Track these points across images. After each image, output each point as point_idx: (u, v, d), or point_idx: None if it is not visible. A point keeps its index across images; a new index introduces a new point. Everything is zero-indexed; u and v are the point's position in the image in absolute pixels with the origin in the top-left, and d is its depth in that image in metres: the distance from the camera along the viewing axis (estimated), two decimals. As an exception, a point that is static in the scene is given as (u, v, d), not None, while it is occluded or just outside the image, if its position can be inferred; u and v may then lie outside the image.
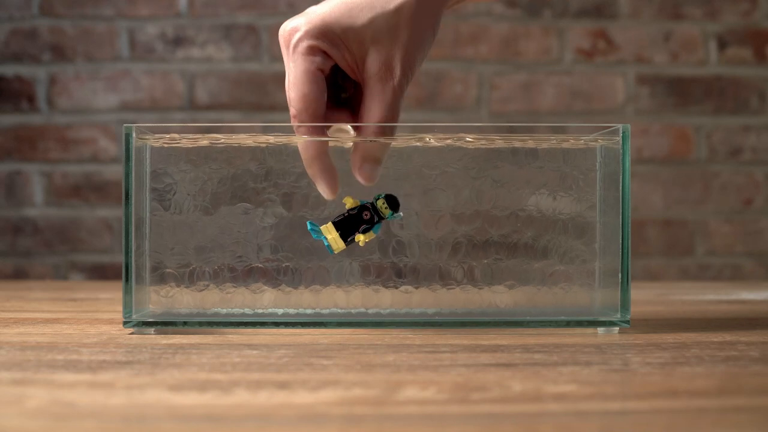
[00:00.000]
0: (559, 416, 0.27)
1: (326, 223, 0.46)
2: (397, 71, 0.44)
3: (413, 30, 0.44)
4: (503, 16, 1.20)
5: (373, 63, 0.44)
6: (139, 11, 1.19)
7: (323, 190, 0.46)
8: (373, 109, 0.44)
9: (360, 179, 0.46)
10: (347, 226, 0.46)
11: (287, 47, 0.45)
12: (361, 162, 0.45)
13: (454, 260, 0.48)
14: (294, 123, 0.45)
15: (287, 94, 0.45)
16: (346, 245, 0.46)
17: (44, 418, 0.26)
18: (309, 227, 0.46)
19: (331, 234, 0.46)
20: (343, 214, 0.46)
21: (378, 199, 0.46)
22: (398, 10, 0.44)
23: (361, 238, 0.46)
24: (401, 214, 0.46)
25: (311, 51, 0.44)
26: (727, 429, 0.25)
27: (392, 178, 0.47)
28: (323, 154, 0.45)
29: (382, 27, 0.44)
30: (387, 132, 0.45)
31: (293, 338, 0.44)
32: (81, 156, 1.19)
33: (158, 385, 0.31)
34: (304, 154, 0.45)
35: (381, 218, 0.46)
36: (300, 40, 0.44)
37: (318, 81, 0.44)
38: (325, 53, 0.45)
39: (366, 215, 0.45)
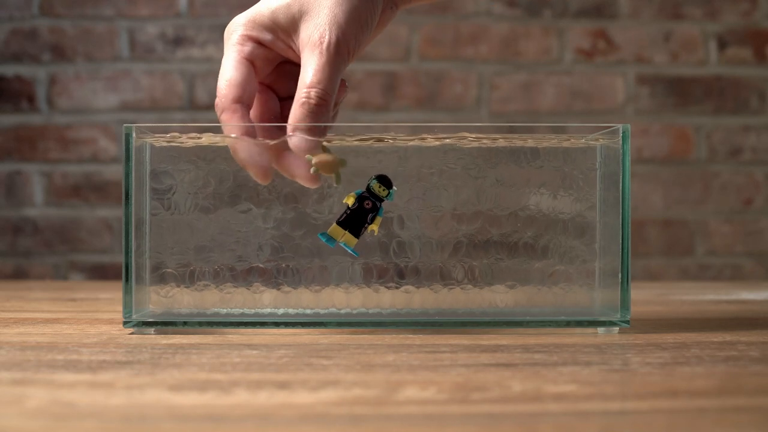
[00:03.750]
0: (559, 416, 0.27)
1: (331, 228, 0.45)
2: (327, 35, 0.43)
3: None
4: (503, 16, 1.20)
5: (304, 34, 0.44)
6: (139, 11, 1.19)
7: (256, 178, 0.45)
8: (302, 76, 0.43)
9: (291, 147, 0.44)
10: (354, 221, 0.45)
11: (225, 43, 0.46)
12: (292, 131, 0.44)
13: (455, 260, 0.48)
14: (220, 114, 0.44)
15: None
16: (358, 238, 0.46)
17: (44, 418, 0.26)
18: (325, 240, 0.46)
19: (343, 236, 0.45)
20: (346, 212, 0.46)
21: (372, 183, 0.45)
22: None
23: (374, 227, 0.45)
24: (395, 188, 0.46)
25: (241, 41, 0.45)
26: (727, 429, 0.25)
27: (392, 178, 0.47)
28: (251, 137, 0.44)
29: None
30: (317, 96, 0.43)
31: (293, 338, 0.44)
32: (81, 156, 1.19)
33: (158, 385, 0.31)
34: (229, 143, 0.44)
35: (381, 200, 0.46)
36: (232, 32, 0.45)
37: (242, 68, 0.44)
38: (258, 42, 0.45)
39: (368, 204, 0.45)
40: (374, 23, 0.46)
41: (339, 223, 0.45)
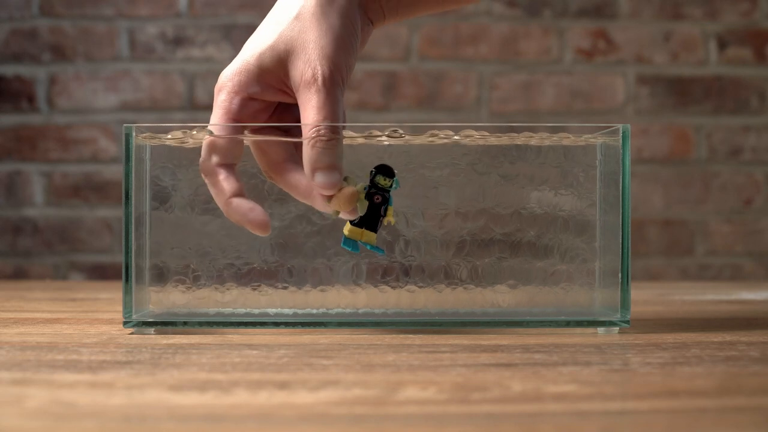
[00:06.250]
0: (559, 416, 0.27)
1: (348, 230, 0.45)
2: (319, 70, 0.42)
3: (321, 28, 0.43)
4: (503, 16, 1.20)
5: (295, 72, 0.43)
6: (139, 11, 1.19)
7: (255, 231, 0.44)
8: (305, 117, 0.42)
9: (317, 189, 0.43)
10: (369, 218, 0.45)
11: (214, 99, 0.45)
12: (312, 172, 0.43)
13: (459, 259, 0.48)
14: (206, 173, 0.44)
15: None
16: (376, 232, 0.45)
17: (44, 418, 0.26)
18: (350, 248, 0.45)
19: (363, 235, 0.45)
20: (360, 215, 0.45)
21: (375, 177, 0.45)
22: (299, 15, 0.43)
23: (389, 218, 0.45)
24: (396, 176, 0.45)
25: (228, 98, 0.44)
26: (727, 429, 0.25)
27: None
28: (240, 196, 0.44)
29: (290, 36, 0.43)
30: (326, 132, 0.42)
31: (293, 338, 0.44)
32: (81, 156, 1.19)
33: (158, 385, 0.31)
34: (219, 200, 0.44)
35: (388, 190, 0.45)
36: (220, 89, 0.45)
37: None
38: (245, 98, 0.44)
39: (377, 199, 0.45)
40: (358, 44, 0.45)
41: (355, 224, 0.45)
